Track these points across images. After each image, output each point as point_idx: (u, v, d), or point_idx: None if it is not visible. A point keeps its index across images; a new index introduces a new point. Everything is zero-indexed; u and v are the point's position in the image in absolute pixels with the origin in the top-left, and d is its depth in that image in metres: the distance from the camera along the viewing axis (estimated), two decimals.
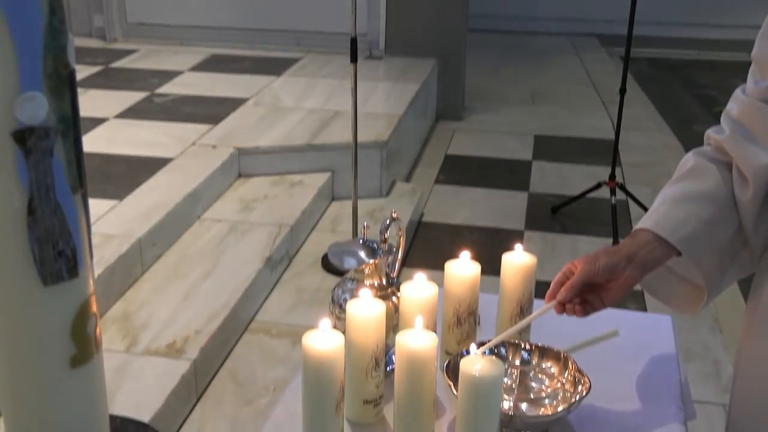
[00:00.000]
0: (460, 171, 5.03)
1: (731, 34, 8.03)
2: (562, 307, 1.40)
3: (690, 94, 6.91)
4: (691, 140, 5.59)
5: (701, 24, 8.29)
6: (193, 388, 2.68)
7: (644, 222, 1.39)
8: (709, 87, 7.05)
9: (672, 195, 1.41)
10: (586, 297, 1.38)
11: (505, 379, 1.44)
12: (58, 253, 0.93)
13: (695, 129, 5.91)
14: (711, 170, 1.41)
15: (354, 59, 3.41)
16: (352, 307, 1.35)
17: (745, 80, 1.46)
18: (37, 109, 0.89)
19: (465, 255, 1.53)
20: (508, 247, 1.58)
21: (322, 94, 5.00)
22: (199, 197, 3.62)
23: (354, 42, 3.39)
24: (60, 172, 0.92)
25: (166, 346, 2.73)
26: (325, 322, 1.29)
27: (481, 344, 1.42)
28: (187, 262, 3.26)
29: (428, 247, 3.98)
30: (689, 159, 1.48)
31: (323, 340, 1.26)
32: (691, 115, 6.28)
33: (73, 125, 0.93)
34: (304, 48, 5.99)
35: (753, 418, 1.42)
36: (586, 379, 1.37)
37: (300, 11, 5.95)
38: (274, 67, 5.58)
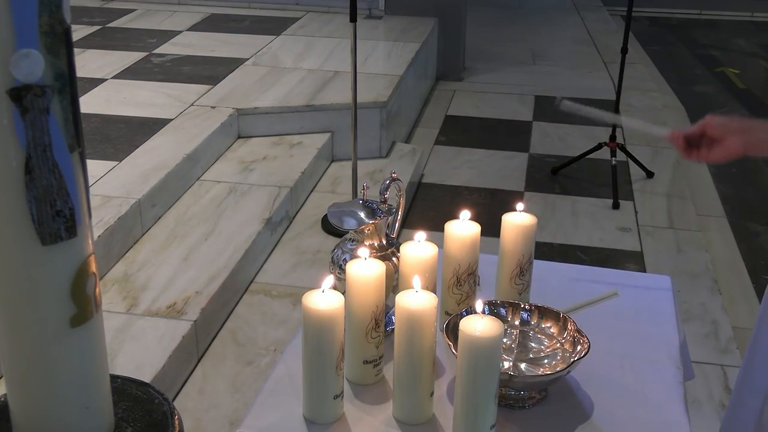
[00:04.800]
0: (461, 132, 5.01)
1: None
2: (687, 147, 1.54)
3: (691, 53, 6.86)
4: (692, 100, 5.57)
5: None
6: (194, 349, 2.70)
7: None
8: (711, 46, 6.99)
9: None
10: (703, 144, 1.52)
11: (505, 339, 1.44)
12: (56, 212, 0.92)
13: (696, 89, 5.88)
14: None
15: (353, 18, 3.37)
16: (352, 268, 1.35)
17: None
18: (33, 66, 0.87)
19: (465, 215, 1.52)
20: (508, 208, 1.58)
21: (321, 53, 4.96)
22: (198, 158, 3.61)
23: (353, 1, 3.35)
24: (57, 131, 0.91)
25: (167, 307, 2.73)
26: (328, 281, 1.28)
27: (488, 303, 1.43)
28: (187, 224, 3.26)
29: (428, 207, 3.97)
30: None
31: (323, 300, 1.27)
32: (692, 75, 6.24)
33: (69, 83, 0.91)
34: (304, 7, 5.94)
35: None
36: (585, 340, 1.37)
37: None
38: (273, 26, 5.53)
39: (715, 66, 6.45)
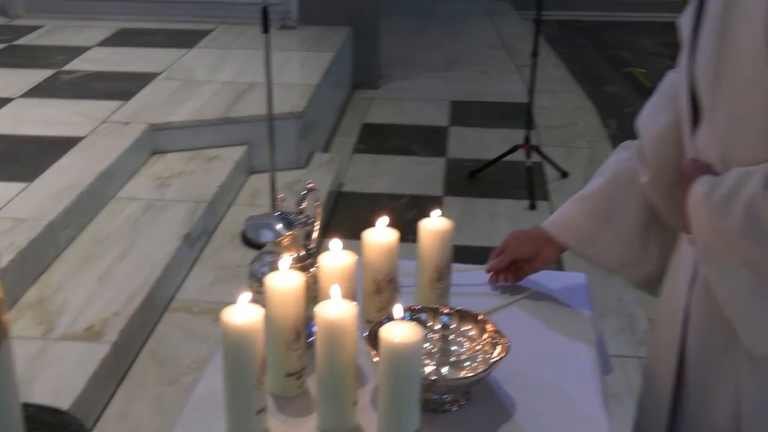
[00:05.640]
0: (378, 139, 5.03)
1: None
2: (496, 277, 1.69)
3: (600, 55, 7.03)
4: (603, 101, 5.70)
5: None
6: (114, 371, 2.64)
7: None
8: (619, 47, 7.18)
9: (576, 195, 1.64)
10: (518, 266, 1.68)
11: (426, 344, 1.45)
12: None
13: (607, 89, 6.03)
14: (614, 166, 1.59)
15: (266, 29, 3.36)
16: (271, 280, 1.34)
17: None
18: None
19: (382, 222, 1.53)
20: (428, 214, 1.59)
21: (235, 65, 4.92)
22: (112, 176, 3.54)
23: (265, 11, 3.34)
24: None
25: (84, 329, 2.67)
26: (244, 296, 1.27)
27: (408, 309, 1.43)
28: (103, 243, 3.19)
29: (349, 216, 3.98)
30: (611, 155, 1.64)
31: (242, 315, 1.25)
32: (602, 76, 6.40)
33: None
34: (216, 19, 5.88)
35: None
36: (505, 340, 1.39)
37: None
38: (186, 39, 5.46)
39: (623, 66, 6.63)
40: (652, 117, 1.54)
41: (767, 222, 1.16)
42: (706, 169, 1.27)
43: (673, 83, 1.50)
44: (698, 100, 1.30)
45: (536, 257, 1.66)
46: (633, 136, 1.60)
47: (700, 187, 1.25)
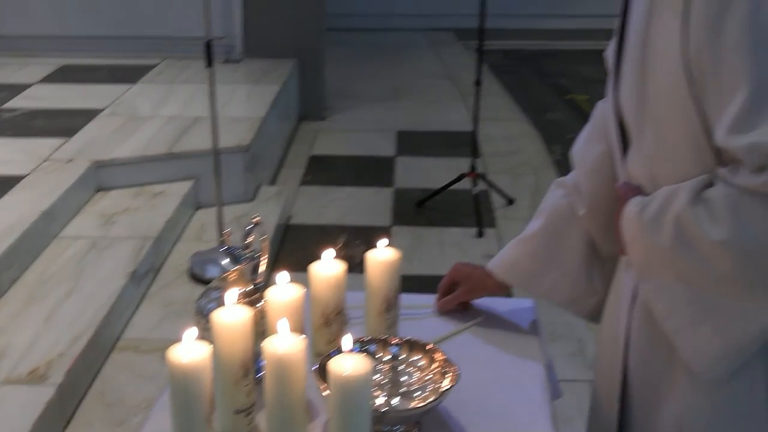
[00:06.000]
0: (326, 171, 5.03)
1: (576, 23, 8.36)
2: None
3: (542, 82, 7.15)
4: (546, 128, 5.79)
5: (549, 15, 8.59)
6: (59, 415, 2.58)
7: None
8: (559, 75, 7.31)
9: (518, 236, 1.68)
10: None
11: (376, 376, 1.45)
12: None
13: (549, 117, 6.12)
14: (551, 204, 1.63)
15: (210, 63, 3.35)
16: (217, 316, 1.33)
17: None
18: None
19: (328, 254, 1.52)
20: (376, 244, 1.59)
21: (180, 100, 4.90)
22: (55, 215, 3.48)
23: (209, 46, 3.34)
24: None
25: (29, 373, 2.61)
26: (190, 333, 1.26)
27: (357, 341, 1.43)
28: (47, 283, 3.13)
29: (298, 249, 3.96)
30: (548, 193, 1.68)
31: (188, 353, 1.24)
32: (545, 104, 6.50)
33: None
34: (160, 54, 5.85)
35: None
36: (454, 368, 1.39)
37: (154, 17, 5.79)
38: (129, 75, 5.42)
39: (565, 93, 6.75)
40: (585, 148, 1.59)
41: (695, 236, 1.20)
42: (638, 190, 1.32)
43: (602, 112, 1.54)
44: (625, 127, 1.35)
45: (483, 293, 1.72)
46: None
47: (631, 208, 1.30)
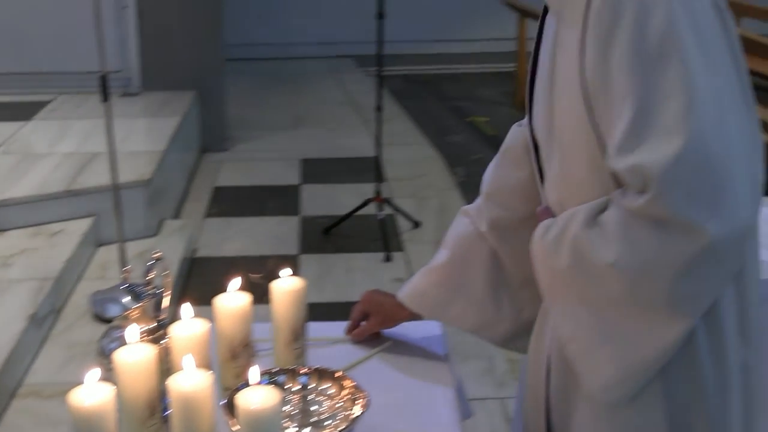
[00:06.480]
0: (230, 202, 4.99)
1: (473, 47, 8.54)
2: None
3: (443, 106, 7.25)
4: (449, 150, 5.87)
5: (446, 40, 8.74)
6: None
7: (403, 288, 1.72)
8: (459, 98, 7.43)
9: (426, 266, 1.70)
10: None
11: (286, 407, 1.44)
12: None
13: (452, 139, 6.21)
14: (456, 234, 1.68)
15: (106, 98, 3.30)
16: (120, 356, 1.30)
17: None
18: None
19: (233, 287, 1.51)
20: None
21: (77, 136, 4.78)
22: None
23: (104, 80, 3.28)
24: None
25: None
26: (92, 375, 1.23)
27: (265, 372, 1.42)
28: None
29: (204, 282, 3.90)
30: (453, 222, 1.72)
31: (91, 395, 1.21)
32: (447, 126, 6.59)
33: None
34: (54, 89, 5.69)
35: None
36: (364, 395, 1.40)
37: (47, 52, 5.64)
38: (22, 111, 5.26)
39: (465, 116, 6.86)
40: (493, 172, 1.63)
41: (589, 259, 1.23)
42: (551, 214, 1.35)
43: (516, 136, 1.59)
44: (540, 153, 1.40)
45: (394, 324, 1.74)
46: (480, 182, 1.67)
47: (537, 231, 1.33)
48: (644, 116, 1.16)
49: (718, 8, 1.22)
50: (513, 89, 7.14)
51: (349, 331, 1.74)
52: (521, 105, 6.93)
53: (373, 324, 1.73)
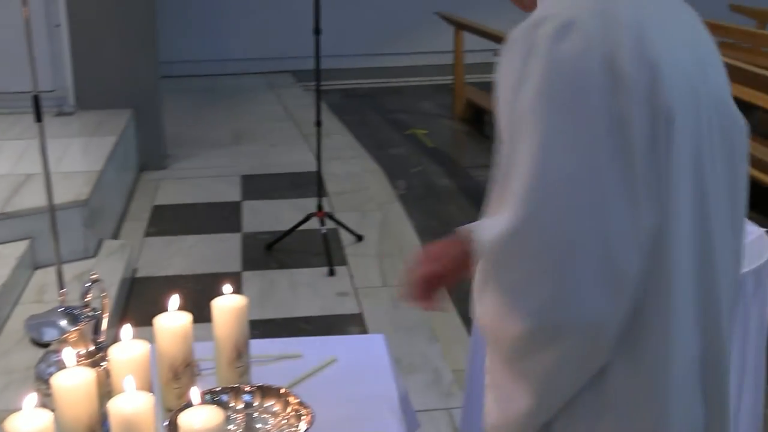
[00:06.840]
0: (170, 220, 4.93)
1: (411, 60, 8.60)
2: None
3: (382, 119, 7.28)
4: (389, 163, 5.89)
5: (384, 53, 8.78)
6: None
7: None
8: (398, 111, 7.47)
9: None
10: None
11: (230, 426, 1.42)
12: None
13: (391, 152, 6.24)
14: None
15: (39, 118, 3.23)
16: (58, 381, 1.27)
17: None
18: None
19: (173, 306, 1.50)
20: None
21: (10, 157, 4.68)
22: None
23: (36, 100, 3.22)
24: None
25: None
26: (30, 401, 1.20)
27: (208, 392, 1.40)
28: None
29: (145, 302, 3.84)
30: None
31: (28, 421, 1.18)
32: (386, 139, 6.62)
33: None
34: None
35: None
36: (309, 411, 1.39)
37: None
38: None
39: (405, 128, 6.90)
40: None
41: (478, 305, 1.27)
42: None
43: None
44: None
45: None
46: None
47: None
48: (502, 185, 1.20)
49: (618, 107, 1.12)
50: (451, 101, 7.21)
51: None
52: (460, 117, 7.08)
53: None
